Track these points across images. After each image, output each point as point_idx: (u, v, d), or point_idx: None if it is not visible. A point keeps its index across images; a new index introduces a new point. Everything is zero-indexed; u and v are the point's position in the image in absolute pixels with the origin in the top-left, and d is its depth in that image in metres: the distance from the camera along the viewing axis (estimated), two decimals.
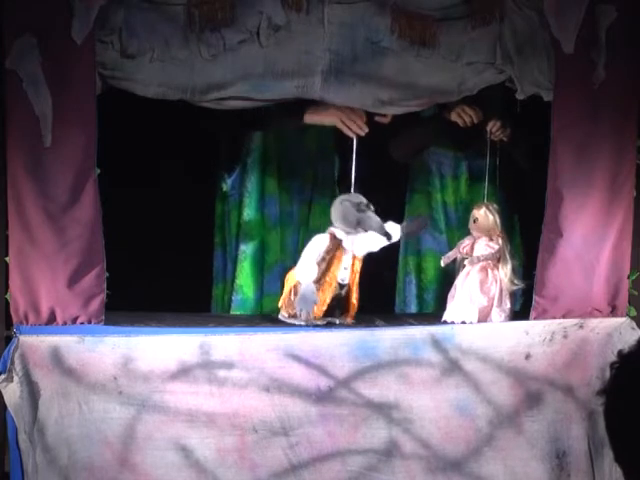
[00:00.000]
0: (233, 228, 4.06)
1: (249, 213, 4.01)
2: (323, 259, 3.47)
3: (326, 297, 3.46)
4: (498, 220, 3.59)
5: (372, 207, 3.45)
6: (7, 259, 3.18)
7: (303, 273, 3.46)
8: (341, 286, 3.49)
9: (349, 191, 3.51)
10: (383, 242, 3.51)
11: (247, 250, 4.00)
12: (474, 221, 3.61)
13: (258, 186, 4.02)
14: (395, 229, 3.52)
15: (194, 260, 4.06)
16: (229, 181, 4.06)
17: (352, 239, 3.48)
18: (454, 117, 3.83)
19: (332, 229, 3.49)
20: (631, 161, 3.51)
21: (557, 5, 3.39)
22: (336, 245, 3.48)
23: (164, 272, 3.87)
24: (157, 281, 3.80)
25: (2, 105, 3.13)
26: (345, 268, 3.48)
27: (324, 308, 3.46)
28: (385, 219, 3.53)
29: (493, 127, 3.80)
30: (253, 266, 3.99)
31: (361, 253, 3.50)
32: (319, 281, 3.45)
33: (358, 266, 3.51)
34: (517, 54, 3.43)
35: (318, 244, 3.48)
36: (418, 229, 3.70)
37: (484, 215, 3.59)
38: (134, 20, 3.20)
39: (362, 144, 3.70)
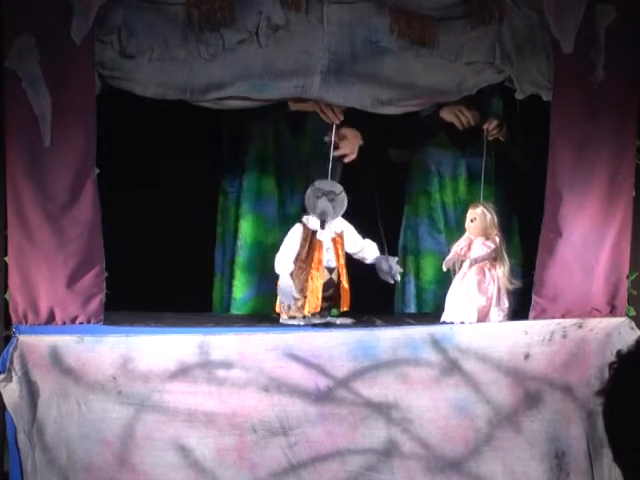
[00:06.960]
0: (231, 225, 4.05)
1: (245, 214, 3.99)
2: (302, 246, 3.47)
3: (317, 284, 3.45)
4: (496, 219, 3.59)
5: (345, 195, 3.47)
6: (6, 259, 3.18)
7: (279, 265, 3.48)
8: (330, 270, 3.49)
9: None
10: (376, 252, 3.53)
11: (242, 251, 3.98)
12: (471, 221, 3.60)
13: (255, 186, 4.00)
14: (372, 248, 3.55)
15: (194, 259, 4.05)
16: (229, 179, 4.06)
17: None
18: (451, 118, 3.82)
19: (304, 217, 3.52)
20: (630, 161, 3.51)
21: (556, 5, 3.39)
22: (310, 232, 3.49)
23: (164, 271, 3.86)
24: (157, 281, 3.79)
25: (1, 105, 3.14)
26: (327, 250, 3.49)
27: (319, 295, 3.45)
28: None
29: (489, 126, 3.80)
30: (249, 266, 3.98)
31: (329, 237, 3.49)
32: (305, 270, 3.46)
33: (342, 248, 3.51)
34: (516, 54, 3.44)
35: (292, 234, 3.51)
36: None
37: (482, 214, 3.58)
38: (133, 20, 3.20)
39: (363, 146, 3.71)
